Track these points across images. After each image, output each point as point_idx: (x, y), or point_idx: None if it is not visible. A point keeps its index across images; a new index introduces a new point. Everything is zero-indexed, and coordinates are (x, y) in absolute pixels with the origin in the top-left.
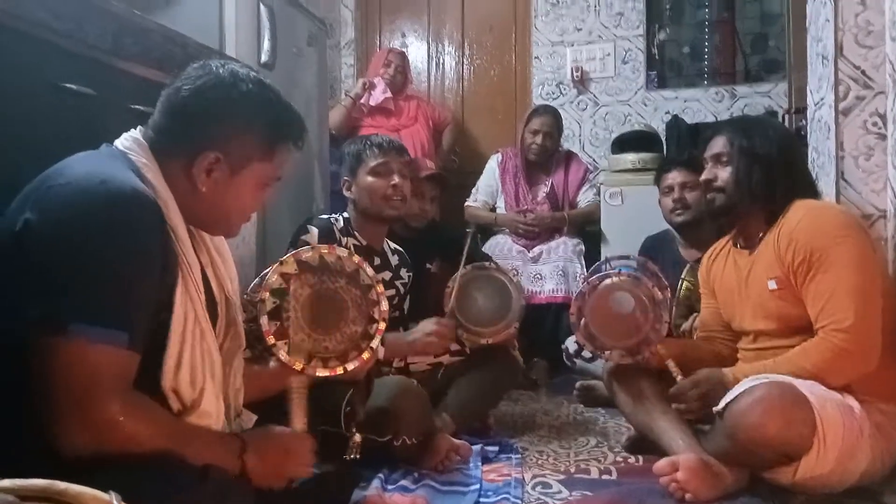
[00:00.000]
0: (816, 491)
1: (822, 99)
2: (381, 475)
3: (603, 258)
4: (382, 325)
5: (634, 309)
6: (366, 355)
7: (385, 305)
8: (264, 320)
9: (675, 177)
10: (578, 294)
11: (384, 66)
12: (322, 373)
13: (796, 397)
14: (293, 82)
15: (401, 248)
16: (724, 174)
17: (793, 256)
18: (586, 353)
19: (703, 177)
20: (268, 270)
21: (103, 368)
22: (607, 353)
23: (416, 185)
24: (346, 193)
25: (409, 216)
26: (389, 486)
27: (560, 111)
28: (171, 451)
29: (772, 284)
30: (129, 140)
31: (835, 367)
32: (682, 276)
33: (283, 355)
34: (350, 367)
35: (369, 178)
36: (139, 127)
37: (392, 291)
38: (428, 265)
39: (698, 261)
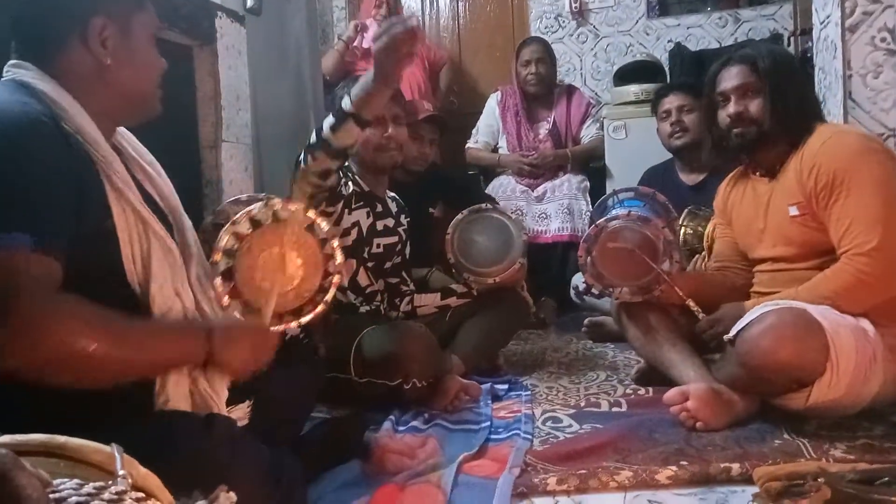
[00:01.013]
0: (828, 415)
1: (827, 17)
2: (391, 417)
3: (609, 191)
4: (337, 279)
5: (643, 248)
6: (320, 308)
7: (340, 258)
8: (217, 281)
9: (671, 101)
10: (586, 235)
11: (376, 7)
12: (276, 327)
13: (808, 322)
14: (282, 28)
15: (394, 194)
16: (754, 105)
17: (815, 181)
18: (595, 291)
19: (732, 111)
20: (222, 206)
21: (10, 273)
22: (616, 290)
23: (414, 129)
24: None
25: (408, 160)
26: (400, 428)
27: (560, 45)
28: (129, 356)
29: (793, 210)
30: (13, 65)
31: (857, 292)
32: (681, 222)
33: (237, 315)
34: (304, 320)
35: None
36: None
37: (394, 238)
38: (430, 209)
39: (697, 201)
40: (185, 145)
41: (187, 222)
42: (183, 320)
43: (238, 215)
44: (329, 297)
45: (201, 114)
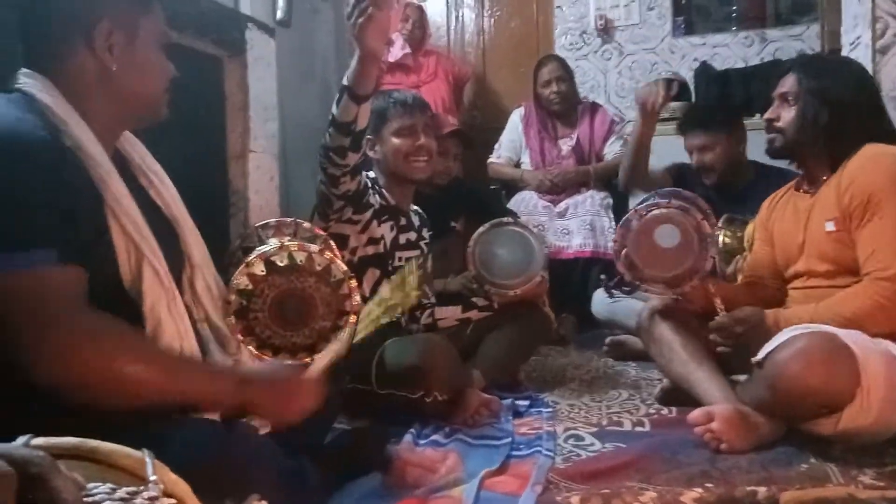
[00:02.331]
0: (857, 441)
1: (857, 38)
2: (412, 431)
3: (651, 193)
4: (353, 318)
5: (680, 241)
6: (333, 346)
7: (357, 299)
8: (230, 319)
9: (690, 141)
10: (624, 221)
11: (402, 21)
12: (288, 363)
13: (839, 348)
14: (310, 40)
15: (417, 208)
16: (787, 115)
17: (850, 199)
18: (625, 288)
19: (766, 115)
20: (250, 230)
21: (41, 290)
22: (647, 284)
23: (438, 143)
24: (370, 153)
25: (432, 174)
26: (421, 441)
27: (584, 62)
28: (159, 383)
29: (829, 226)
30: (23, 77)
31: (875, 316)
32: (720, 226)
33: (251, 350)
34: (318, 357)
35: (394, 140)
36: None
37: (416, 252)
38: (453, 223)
39: (733, 212)
40: (212, 155)
41: (194, 232)
42: (221, 364)
43: (253, 256)
44: (344, 334)
45: (230, 124)
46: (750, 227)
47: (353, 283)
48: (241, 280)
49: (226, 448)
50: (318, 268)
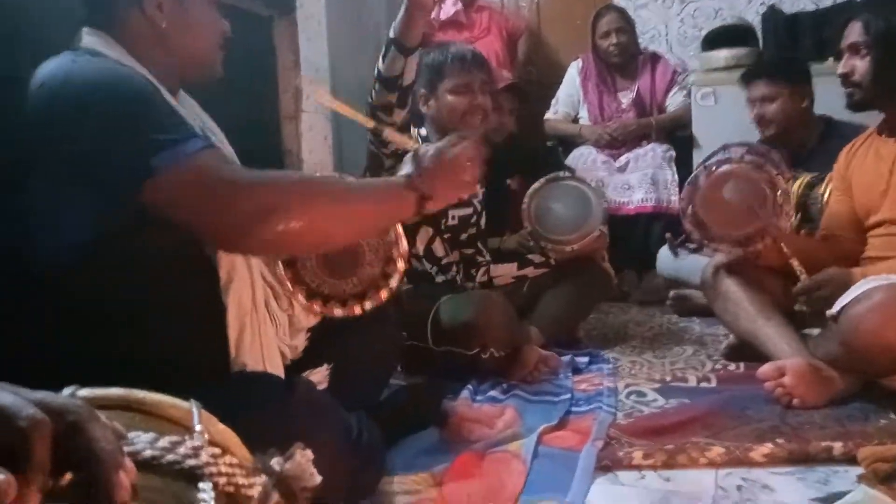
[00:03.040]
0: None
1: None
2: (469, 387)
3: (721, 146)
4: (401, 264)
5: (752, 197)
6: (384, 294)
7: (404, 245)
8: (280, 269)
9: (754, 91)
10: (692, 178)
11: None
12: (339, 312)
13: None
14: (360, 1)
15: None
16: (861, 66)
17: None
18: (690, 244)
19: (840, 70)
20: None
21: (208, 170)
22: (715, 243)
23: (492, 98)
24: (423, 108)
25: (487, 130)
26: (478, 398)
27: (644, 11)
28: (349, 208)
29: None
30: (86, 35)
31: None
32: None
33: (301, 299)
34: (368, 305)
35: (449, 97)
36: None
37: (469, 210)
38: (508, 181)
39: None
40: (265, 116)
41: None
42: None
43: None
44: (393, 283)
45: (281, 84)
46: (796, 185)
47: (399, 229)
48: None
49: (285, 402)
50: None
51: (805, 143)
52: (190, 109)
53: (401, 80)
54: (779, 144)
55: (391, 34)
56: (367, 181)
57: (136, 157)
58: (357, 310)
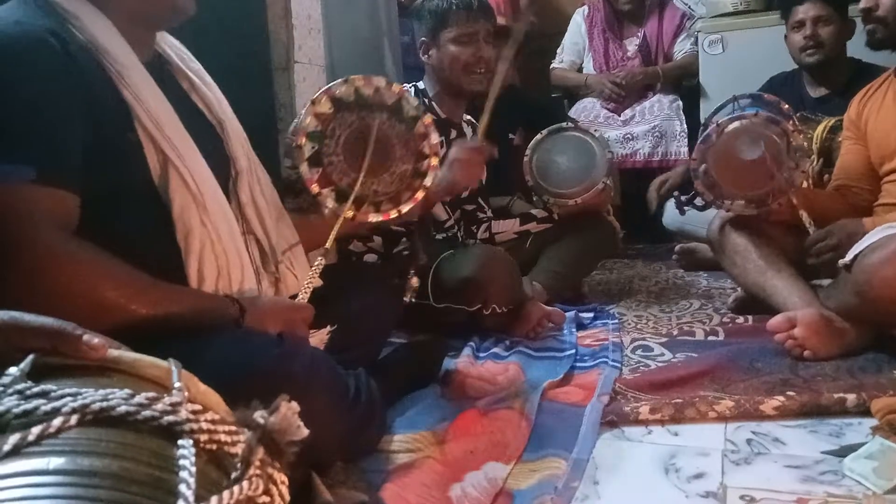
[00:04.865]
0: None
1: None
2: (471, 344)
3: (730, 97)
4: (434, 161)
5: (766, 155)
6: (419, 194)
7: (435, 138)
8: (304, 168)
9: (806, 10)
10: (703, 136)
11: None
12: (375, 218)
13: None
14: None
15: (471, 117)
16: (886, 1)
17: None
18: (699, 202)
19: (862, 5)
20: (292, 126)
21: (16, 209)
22: (728, 202)
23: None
24: (424, 58)
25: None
26: (481, 355)
27: None
28: (139, 308)
29: None
30: None
31: None
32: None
33: (330, 203)
34: (404, 209)
35: (452, 47)
36: None
37: None
38: (510, 135)
39: (830, 114)
40: (256, 66)
41: (239, 136)
42: (209, 293)
43: (318, 94)
44: (428, 180)
45: (272, 33)
46: (819, 128)
47: (429, 119)
48: (308, 121)
49: (280, 360)
50: (389, 102)
51: (836, 83)
52: (172, 53)
53: None
54: (817, 78)
55: None
56: (194, 292)
57: None
58: (394, 214)
